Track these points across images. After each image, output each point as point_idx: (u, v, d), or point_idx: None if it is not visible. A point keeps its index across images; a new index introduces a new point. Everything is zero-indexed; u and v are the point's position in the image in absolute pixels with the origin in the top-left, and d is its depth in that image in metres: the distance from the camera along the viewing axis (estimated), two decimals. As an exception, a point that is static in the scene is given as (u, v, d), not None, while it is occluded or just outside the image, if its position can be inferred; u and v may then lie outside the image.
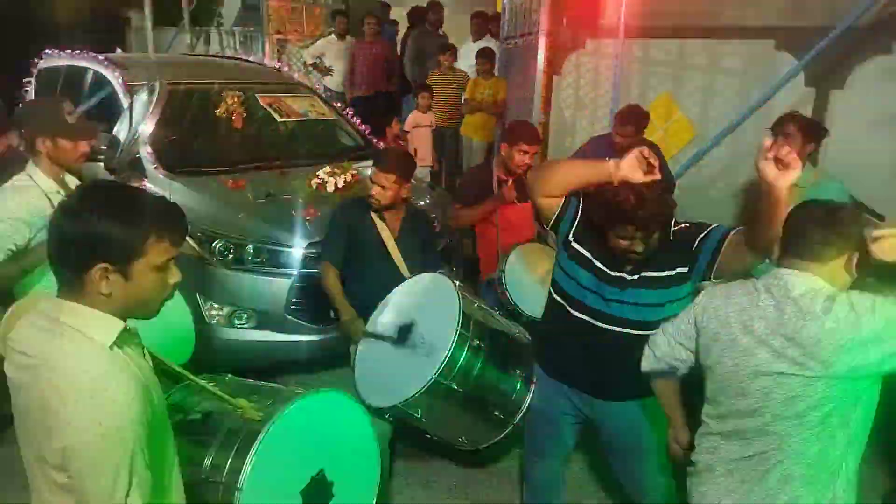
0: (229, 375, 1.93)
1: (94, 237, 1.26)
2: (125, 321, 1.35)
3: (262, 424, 1.65)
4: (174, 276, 1.38)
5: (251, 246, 3.46)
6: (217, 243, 3.45)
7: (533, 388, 2.43)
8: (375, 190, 2.93)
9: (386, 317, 2.71)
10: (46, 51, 5.90)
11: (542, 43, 4.79)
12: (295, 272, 3.47)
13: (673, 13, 5.68)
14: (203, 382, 1.74)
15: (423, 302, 2.64)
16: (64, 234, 1.28)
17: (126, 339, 1.35)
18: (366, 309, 2.81)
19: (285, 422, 1.68)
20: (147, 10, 8.64)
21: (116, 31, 11.02)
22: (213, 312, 3.47)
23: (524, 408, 2.43)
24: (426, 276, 2.76)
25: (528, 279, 3.28)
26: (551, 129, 6.09)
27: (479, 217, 3.57)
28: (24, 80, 6.17)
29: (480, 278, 3.68)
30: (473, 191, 3.59)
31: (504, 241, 3.45)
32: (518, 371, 2.46)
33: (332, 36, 7.63)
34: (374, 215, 3.01)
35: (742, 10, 5.48)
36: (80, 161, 2.56)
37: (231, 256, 3.46)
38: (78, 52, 5.20)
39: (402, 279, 2.87)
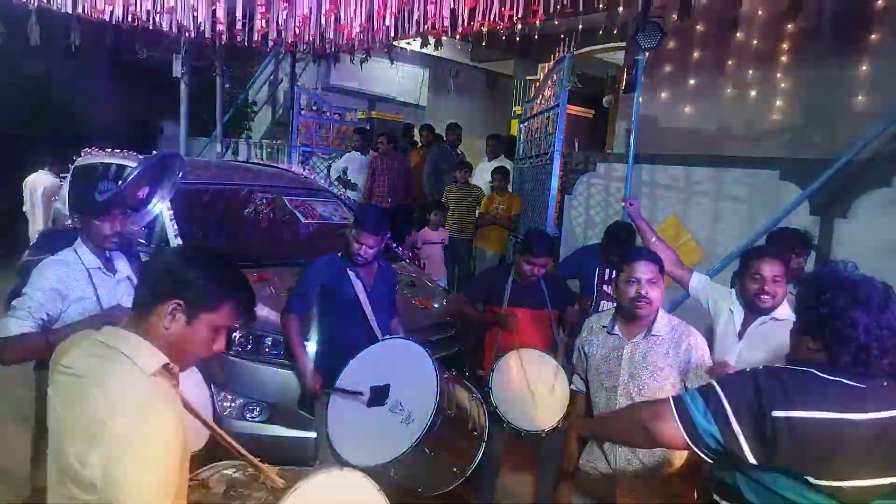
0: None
1: (190, 277, 1.44)
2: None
3: (285, 491, 1.64)
4: (219, 344, 1.52)
5: (269, 337, 3.49)
6: (236, 334, 3.49)
7: (483, 444, 2.73)
8: (362, 250, 3.13)
9: (359, 375, 2.85)
10: (85, 149, 6.24)
11: (556, 164, 5.06)
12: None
13: (679, 142, 6.04)
14: (237, 446, 1.75)
15: (398, 367, 2.85)
16: (168, 264, 1.48)
17: (166, 375, 1.44)
18: (336, 361, 2.96)
19: (306, 492, 1.67)
20: (183, 121, 9.29)
21: (149, 140, 11.62)
22: (226, 404, 3.45)
23: (476, 461, 2.73)
24: (401, 343, 2.98)
25: (515, 385, 3.20)
26: (563, 244, 6.28)
27: (474, 321, 3.67)
28: (59, 175, 6.49)
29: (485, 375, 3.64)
30: (483, 290, 3.69)
31: (504, 343, 3.44)
32: (475, 432, 2.75)
33: (355, 152, 8.06)
34: (349, 271, 3.14)
35: (746, 142, 5.84)
36: (109, 241, 2.61)
37: (249, 347, 3.49)
38: (116, 150, 5.50)
39: (372, 333, 3.07)
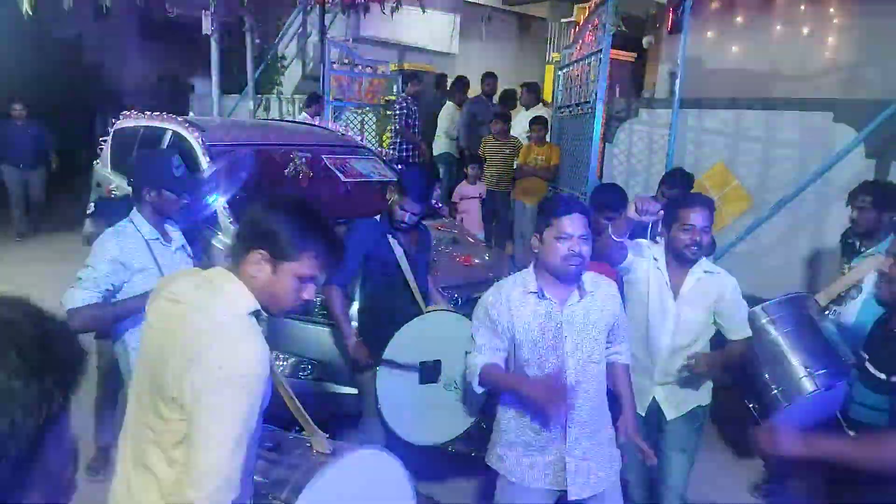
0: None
1: (270, 228, 1.52)
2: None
3: (329, 458, 1.79)
4: (308, 293, 1.59)
5: (319, 297, 3.53)
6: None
7: None
8: (407, 216, 3.08)
9: (406, 349, 2.86)
10: (124, 111, 6.27)
11: (598, 111, 4.91)
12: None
13: (727, 85, 5.80)
14: (297, 403, 1.90)
15: (447, 341, 2.85)
16: (255, 214, 1.55)
17: (258, 320, 1.54)
18: (379, 330, 2.98)
19: (350, 463, 1.81)
20: (215, 78, 9.25)
21: (181, 97, 11.66)
22: (278, 363, 3.52)
23: None
24: (446, 316, 3.00)
25: None
26: (604, 195, 6.16)
27: None
28: (100, 138, 6.55)
29: None
30: None
31: None
32: None
33: (451, 104, 8.00)
34: (390, 237, 3.09)
35: (797, 83, 5.59)
36: (178, 213, 2.74)
37: (299, 307, 3.53)
38: (156, 113, 5.52)
39: (414, 300, 3.05)
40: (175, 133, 4.86)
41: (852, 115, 4.81)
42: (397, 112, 7.39)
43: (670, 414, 2.70)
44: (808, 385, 2.65)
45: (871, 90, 4.98)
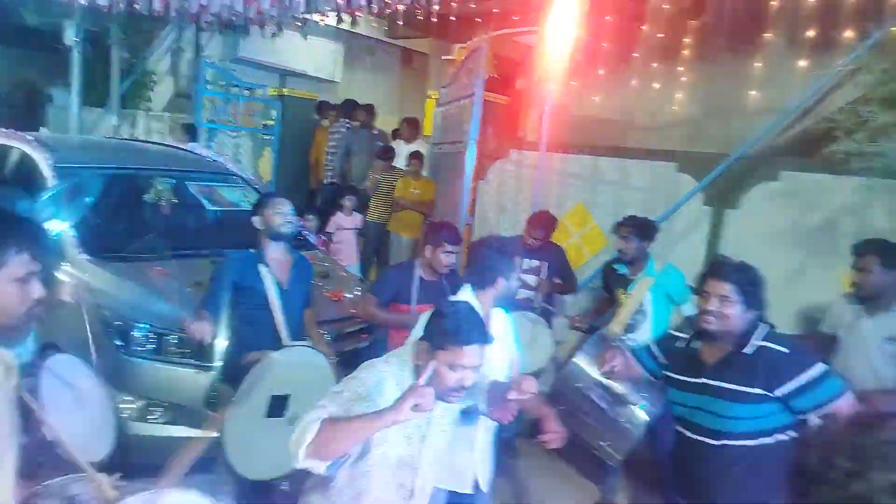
0: None
1: None
2: None
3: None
4: (37, 291, 1.49)
5: (174, 336, 3.38)
6: (137, 332, 3.35)
7: None
8: (281, 220, 3.17)
9: (260, 383, 2.81)
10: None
11: (471, 153, 5.11)
12: (218, 364, 3.39)
13: (588, 132, 6.22)
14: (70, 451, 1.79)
15: (301, 377, 2.87)
16: None
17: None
18: (240, 364, 2.94)
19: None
20: (75, 89, 8.65)
21: (38, 109, 10.76)
22: (125, 406, 3.32)
23: None
24: (306, 351, 3.01)
25: None
26: (475, 230, 6.37)
27: (387, 324, 3.58)
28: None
29: None
30: (390, 290, 3.58)
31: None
32: None
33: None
34: (262, 268, 3.10)
35: (647, 134, 6.09)
36: None
37: (151, 346, 3.36)
38: (2, 129, 5.08)
39: (277, 336, 3.04)
40: (21, 151, 4.50)
41: (694, 165, 5.31)
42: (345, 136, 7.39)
43: (485, 488, 2.58)
44: (642, 415, 2.88)
45: (711, 143, 5.52)
